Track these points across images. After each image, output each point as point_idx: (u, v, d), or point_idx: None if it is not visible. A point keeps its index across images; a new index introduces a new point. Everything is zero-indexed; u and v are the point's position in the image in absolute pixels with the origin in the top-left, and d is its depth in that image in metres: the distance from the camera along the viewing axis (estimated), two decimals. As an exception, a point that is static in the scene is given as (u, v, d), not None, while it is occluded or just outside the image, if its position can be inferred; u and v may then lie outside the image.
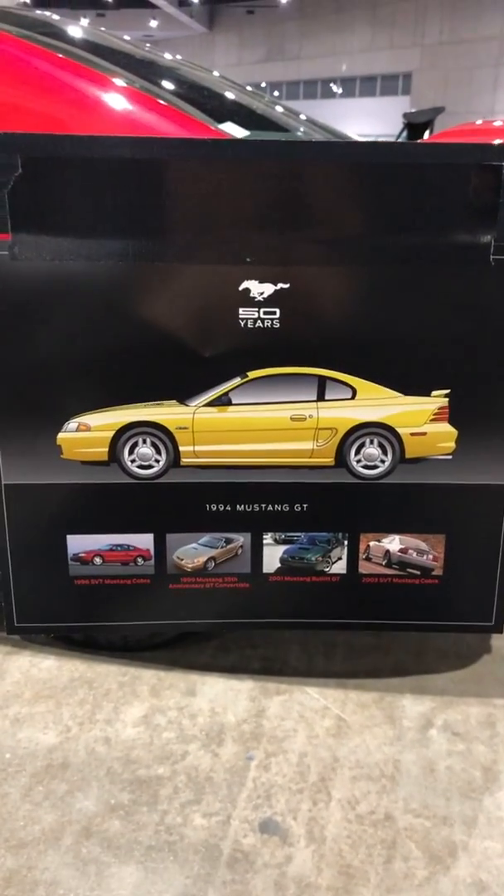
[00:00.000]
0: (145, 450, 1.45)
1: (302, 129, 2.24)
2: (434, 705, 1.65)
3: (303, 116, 2.50)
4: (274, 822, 1.35)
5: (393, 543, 1.55)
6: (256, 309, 1.36)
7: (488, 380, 1.41)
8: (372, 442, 1.46)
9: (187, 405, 1.43)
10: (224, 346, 1.39)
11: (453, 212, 1.30)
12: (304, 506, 1.51)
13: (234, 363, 1.41)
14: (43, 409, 1.42)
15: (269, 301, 1.36)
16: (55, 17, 2.17)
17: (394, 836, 1.33)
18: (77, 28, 2.09)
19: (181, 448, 1.45)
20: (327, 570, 1.56)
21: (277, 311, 1.36)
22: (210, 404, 1.43)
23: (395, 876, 1.26)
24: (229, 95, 2.21)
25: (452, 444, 1.45)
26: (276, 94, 23.61)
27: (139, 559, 1.54)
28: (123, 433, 1.44)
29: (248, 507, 1.51)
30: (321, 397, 1.44)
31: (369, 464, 1.47)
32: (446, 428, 1.45)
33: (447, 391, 1.42)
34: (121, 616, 1.60)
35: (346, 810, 1.38)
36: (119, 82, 1.62)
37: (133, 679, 1.71)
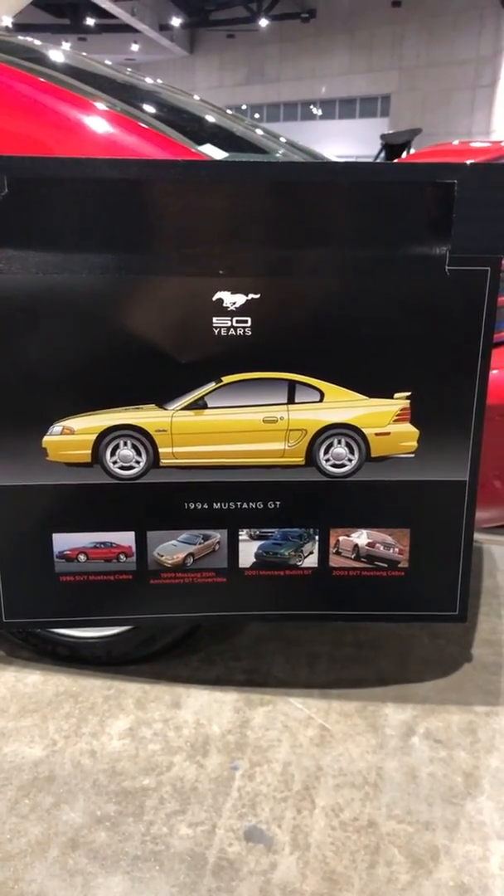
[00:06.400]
0: (126, 451, 1.50)
1: (280, 151, 2.27)
2: (416, 713, 1.67)
3: (282, 139, 2.54)
4: (259, 831, 1.37)
5: (361, 538, 1.60)
6: (229, 318, 1.42)
7: (446, 382, 1.48)
8: (340, 442, 1.52)
9: (166, 409, 1.48)
10: (199, 353, 1.45)
11: (411, 226, 1.38)
12: (277, 503, 1.56)
13: (209, 369, 1.46)
14: (29, 414, 1.47)
15: (241, 310, 1.42)
16: (37, 42, 2.20)
17: (377, 842, 1.35)
18: (59, 52, 2.12)
19: (160, 449, 1.50)
20: (300, 564, 1.61)
21: (249, 319, 1.43)
22: (187, 408, 1.48)
23: (379, 880, 1.28)
24: (209, 118, 2.24)
25: (414, 444, 1.51)
26: (256, 116, 23.88)
27: (121, 556, 1.58)
28: (105, 436, 1.49)
29: (225, 505, 1.56)
30: (291, 400, 1.50)
31: (337, 462, 1.53)
32: (408, 428, 1.51)
33: (408, 393, 1.48)
34: (104, 611, 1.63)
35: (330, 817, 1.40)
36: (101, 106, 1.66)
37: (118, 692, 1.72)
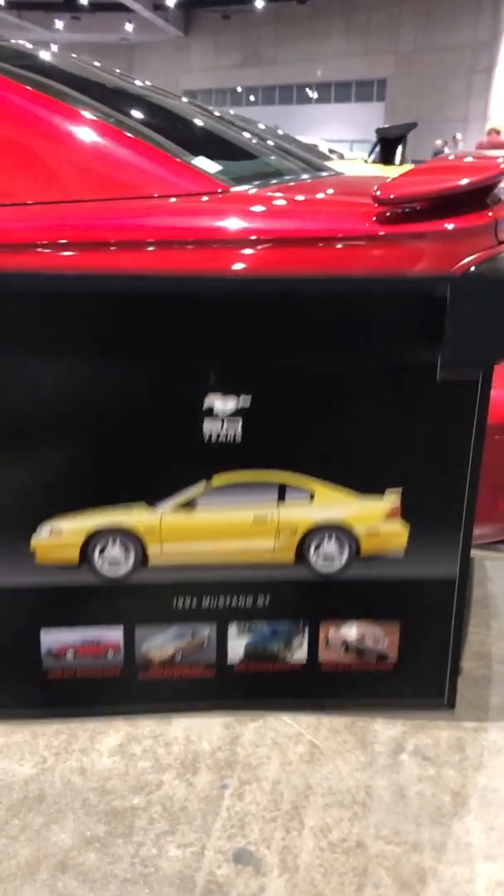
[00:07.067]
0: (115, 552, 1.51)
1: (273, 157, 2.26)
2: (405, 730, 1.67)
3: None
4: (248, 852, 1.37)
5: (351, 631, 1.62)
6: (220, 421, 1.45)
7: (435, 482, 1.50)
8: (330, 540, 1.53)
9: (155, 508, 1.50)
10: (190, 455, 1.48)
11: (403, 335, 1.41)
12: (267, 598, 1.59)
13: (200, 469, 1.49)
14: (18, 516, 1.49)
15: (232, 414, 1.45)
16: (28, 45, 2.17)
17: (365, 864, 1.36)
18: (50, 57, 2.09)
19: (149, 549, 1.51)
20: (289, 658, 1.63)
21: (240, 422, 1.45)
22: (177, 508, 1.50)
23: (366, 905, 1.28)
24: (200, 125, 2.22)
25: (405, 541, 1.53)
26: (251, 98, 23.68)
27: (109, 652, 1.60)
28: (94, 537, 1.50)
29: (214, 602, 1.58)
30: (282, 498, 1.51)
31: (327, 561, 1.55)
32: (399, 526, 1.52)
33: (399, 490, 1.50)
34: (92, 705, 1.67)
35: (319, 838, 1.40)
36: (90, 115, 1.64)
37: (108, 707, 1.71)
